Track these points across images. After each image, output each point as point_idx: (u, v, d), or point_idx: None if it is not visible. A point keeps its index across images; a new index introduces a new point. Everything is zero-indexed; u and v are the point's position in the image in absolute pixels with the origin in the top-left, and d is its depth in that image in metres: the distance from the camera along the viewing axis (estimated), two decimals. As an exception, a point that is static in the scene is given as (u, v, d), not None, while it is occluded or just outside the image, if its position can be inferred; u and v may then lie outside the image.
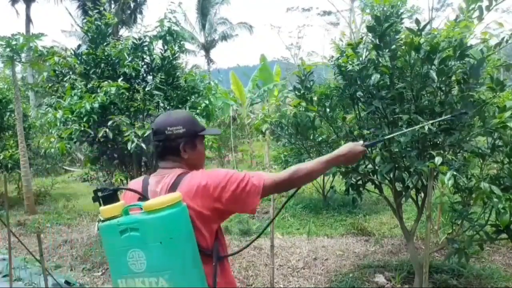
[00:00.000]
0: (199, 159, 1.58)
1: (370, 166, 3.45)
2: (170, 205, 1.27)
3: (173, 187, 1.41)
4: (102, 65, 4.92)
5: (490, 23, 2.78)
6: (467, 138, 2.93)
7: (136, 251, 1.27)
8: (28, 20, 19.83)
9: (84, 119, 4.31)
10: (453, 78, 2.94)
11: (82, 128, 4.29)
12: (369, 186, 3.86)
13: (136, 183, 1.53)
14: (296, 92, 3.54)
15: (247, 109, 15.29)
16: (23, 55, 7.84)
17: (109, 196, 1.34)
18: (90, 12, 5.14)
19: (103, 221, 1.32)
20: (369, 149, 3.54)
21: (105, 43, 5.00)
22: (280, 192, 1.58)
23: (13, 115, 8.82)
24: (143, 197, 1.42)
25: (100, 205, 1.34)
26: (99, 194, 1.35)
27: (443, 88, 2.98)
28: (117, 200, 1.35)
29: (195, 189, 1.38)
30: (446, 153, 2.96)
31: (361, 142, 1.71)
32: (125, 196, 1.53)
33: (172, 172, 1.47)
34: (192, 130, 1.52)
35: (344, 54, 3.28)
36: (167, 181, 1.44)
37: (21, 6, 20.19)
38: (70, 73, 5.09)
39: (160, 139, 1.49)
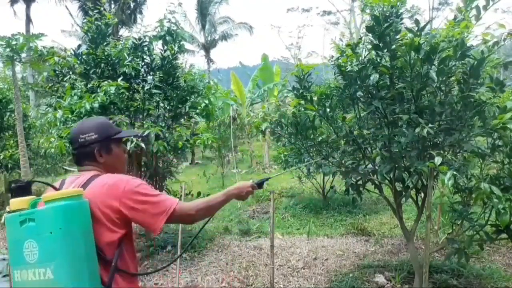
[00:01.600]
0: (117, 162, 1.65)
1: (370, 166, 3.45)
2: (67, 197, 1.32)
3: (84, 186, 1.46)
4: (102, 65, 4.92)
5: (492, 24, 2.78)
6: (467, 138, 2.93)
7: (31, 241, 1.31)
8: (28, 20, 19.83)
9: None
10: (453, 78, 2.94)
11: (82, 128, 4.28)
12: (369, 186, 3.86)
13: (56, 183, 1.59)
14: (295, 92, 3.54)
15: (247, 109, 15.29)
16: (23, 55, 7.83)
17: (21, 189, 1.40)
18: (90, 12, 5.14)
19: (9, 212, 1.38)
20: (369, 149, 3.54)
21: (105, 43, 5.00)
22: (183, 223, 1.68)
23: (13, 115, 8.82)
24: (56, 190, 1.46)
25: (12, 197, 1.39)
26: (12, 185, 1.40)
27: (443, 88, 2.98)
28: (29, 193, 1.41)
29: (103, 187, 1.43)
30: (446, 153, 2.96)
31: (250, 181, 1.81)
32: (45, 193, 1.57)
33: (87, 174, 1.54)
34: (105, 135, 1.59)
35: (344, 54, 3.28)
36: (80, 181, 1.50)
37: (21, 6, 20.20)
38: (70, 73, 5.09)
39: (75, 147, 1.58)
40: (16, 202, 1.38)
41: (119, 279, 1.44)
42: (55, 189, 1.46)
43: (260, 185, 1.85)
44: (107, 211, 1.41)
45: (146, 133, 4.32)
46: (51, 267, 1.27)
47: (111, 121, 1.72)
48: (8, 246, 1.42)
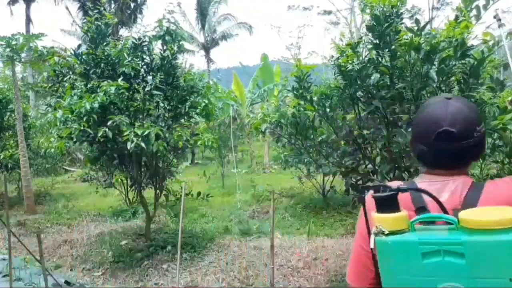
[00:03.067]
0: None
1: (370, 166, 3.45)
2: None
3: (470, 198, 1.05)
4: (102, 65, 4.92)
5: (492, 24, 2.78)
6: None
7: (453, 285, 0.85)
8: (28, 20, 19.83)
9: (84, 119, 4.31)
10: (453, 78, 2.93)
11: (82, 128, 4.29)
12: (369, 186, 3.86)
13: (409, 189, 1.06)
14: (295, 92, 3.54)
15: (247, 109, 15.29)
16: (23, 55, 7.85)
17: (388, 200, 0.95)
18: (90, 12, 5.14)
19: (386, 234, 0.92)
20: (369, 149, 3.54)
21: (105, 43, 5.00)
22: None
23: (13, 115, 8.83)
24: (440, 205, 1.01)
25: (376, 210, 0.97)
26: (371, 193, 0.98)
27: (443, 88, 2.98)
28: (397, 207, 0.95)
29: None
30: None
31: None
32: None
33: (458, 178, 1.11)
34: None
35: (344, 54, 3.27)
36: (455, 187, 1.08)
37: (21, 6, 20.20)
38: (70, 73, 5.09)
39: (468, 143, 1.09)
40: (391, 220, 0.93)
41: None
42: (441, 206, 1.01)
43: None
44: None
45: (147, 132, 4.31)
46: None
47: None
48: (384, 282, 0.96)
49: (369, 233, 0.99)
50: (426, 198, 1.04)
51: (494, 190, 1.05)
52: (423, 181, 1.13)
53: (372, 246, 0.94)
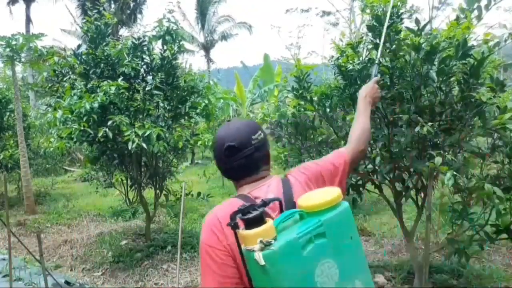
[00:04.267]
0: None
1: (370, 166, 3.45)
2: (335, 198, 1.09)
3: (286, 191, 1.27)
4: (102, 65, 4.91)
5: (494, 25, 2.78)
6: (467, 138, 2.93)
7: (326, 262, 1.02)
8: (28, 20, 19.84)
9: (84, 119, 4.30)
10: (453, 78, 2.93)
11: (82, 128, 4.28)
12: (369, 186, 3.86)
13: (248, 199, 1.24)
14: (295, 92, 3.54)
15: (248, 109, 15.29)
16: (23, 55, 7.83)
17: (254, 221, 1.01)
18: (89, 12, 5.13)
19: (269, 244, 0.98)
20: (369, 149, 3.54)
21: (104, 43, 5.00)
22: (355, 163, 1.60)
23: (13, 115, 8.82)
24: (280, 205, 1.17)
25: (246, 228, 1.02)
26: (240, 216, 1.02)
27: (443, 88, 2.98)
28: (262, 219, 1.02)
29: (306, 190, 1.28)
30: (446, 153, 2.95)
31: (372, 80, 1.90)
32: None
33: (269, 180, 1.32)
34: (263, 131, 1.41)
35: (344, 54, 3.27)
36: (274, 189, 1.28)
37: (21, 6, 20.20)
38: (70, 73, 5.08)
39: (249, 152, 1.30)
40: (259, 235, 0.98)
41: None
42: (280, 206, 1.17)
43: (376, 76, 1.95)
44: None
45: (148, 133, 4.31)
46: (359, 279, 1.08)
47: None
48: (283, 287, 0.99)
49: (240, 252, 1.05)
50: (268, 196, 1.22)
51: (295, 180, 1.31)
52: (248, 192, 1.28)
53: (263, 262, 0.95)
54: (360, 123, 1.68)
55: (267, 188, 1.28)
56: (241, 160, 1.29)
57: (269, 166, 1.37)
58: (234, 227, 1.02)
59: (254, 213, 1.01)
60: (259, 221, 1.00)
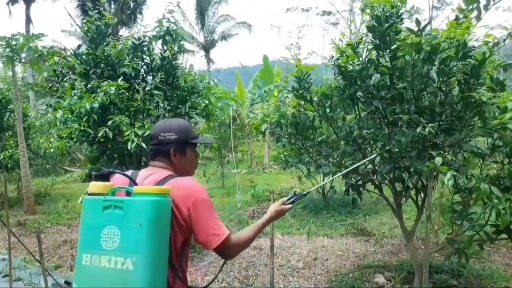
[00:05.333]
0: (188, 165, 1.70)
1: (370, 166, 3.45)
2: (159, 194, 1.35)
3: (159, 184, 1.50)
4: (102, 65, 4.91)
5: (495, 26, 2.78)
6: (467, 139, 2.93)
7: (113, 228, 1.32)
8: (28, 20, 19.84)
9: (84, 119, 4.30)
10: (454, 78, 2.93)
11: (82, 128, 4.28)
12: (369, 186, 3.86)
13: (124, 174, 1.61)
14: (295, 93, 3.54)
15: (247, 109, 15.30)
16: (23, 55, 7.83)
17: (101, 177, 1.49)
18: (89, 12, 5.14)
19: (89, 194, 1.40)
20: (369, 149, 3.54)
21: (104, 43, 5.00)
22: (229, 256, 1.65)
23: (13, 115, 8.82)
24: (135, 184, 1.51)
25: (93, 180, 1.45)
26: (94, 172, 1.51)
27: (444, 88, 2.98)
28: (107, 180, 1.49)
29: (181, 191, 1.47)
30: (446, 153, 2.96)
31: (284, 199, 1.88)
32: (115, 183, 1.59)
33: (162, 171, 1.59)
34: (184, 137, 1.66)
35: (344, 54, 3.27)
36: (155, 177, 1.55)
37: (21, 6, 20.20)
38: (70, 73, 5.09)
39: (154, 143, 1.65)
40: (96, 186, 1.40)
41: (179, 283, 1.49)
42: (134, 182, 1.51)
43: (292, 203, 1.88)
44: (178, 215, 1.45)
45: (148, 133, 4.31)
46: (133, 258, 1.27)
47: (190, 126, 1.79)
48: (80, 228, 1.41)
49: None
50: (140, 180, 1.56)
51: (172, 182, 1.50)
52: (145, 170, 1.65)
53: (79, 201, 1.44)
54: (253, 232, 1.71)
55: (150, 173, 1.59)
56: (151, 146, 1.67)
57: (167, 160, 1.63)
58: (95, 177, 1.49)
59: (103, 173, 1.51)
60: (103, 180, 1.47)
